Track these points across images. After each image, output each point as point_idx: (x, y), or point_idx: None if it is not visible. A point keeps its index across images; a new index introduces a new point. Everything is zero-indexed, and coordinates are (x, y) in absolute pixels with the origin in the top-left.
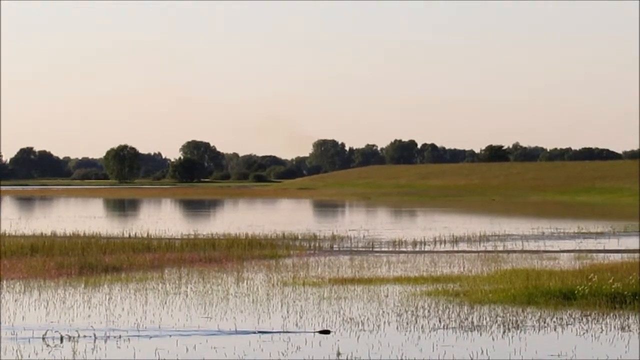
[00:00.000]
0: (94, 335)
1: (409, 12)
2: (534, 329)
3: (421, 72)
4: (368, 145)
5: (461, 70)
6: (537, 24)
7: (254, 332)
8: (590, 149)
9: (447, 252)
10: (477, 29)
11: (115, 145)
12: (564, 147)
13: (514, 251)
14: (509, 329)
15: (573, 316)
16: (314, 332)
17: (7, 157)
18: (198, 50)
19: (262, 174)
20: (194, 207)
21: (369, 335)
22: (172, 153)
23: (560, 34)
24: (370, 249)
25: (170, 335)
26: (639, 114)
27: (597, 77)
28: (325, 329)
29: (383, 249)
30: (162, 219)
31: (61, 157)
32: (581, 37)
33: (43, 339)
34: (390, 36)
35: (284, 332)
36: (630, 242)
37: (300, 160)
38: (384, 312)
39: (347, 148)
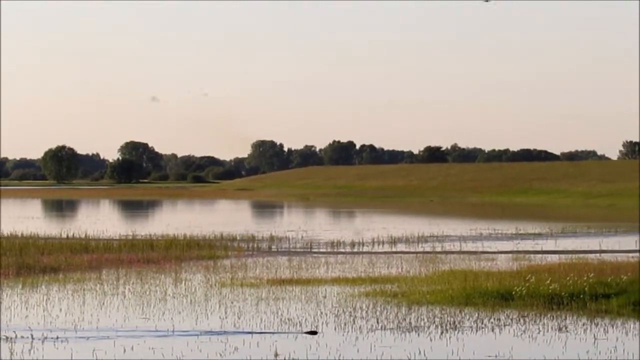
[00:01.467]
0: (32, 335)
1: (348, 16)
2: (472, 330)
3: (360, 73)
4: (307, 146)
5: (399, 72)
6: (475, 25)
7: (241, 332)
8: (528, 150)
9: (385, 253)
10: (415, 31)
11: (53, 146)
12: (502, 148)
13: (452, 252)
14: (446, 330)
15: (510, 317)
16: (302, 332)
17: None
18: (137, 50)
19: (200, 175)
20: (132, 208)
21: (307, 335)
22: (111, 154)
23: (498, 35)
24: (309, 250)
25: (108, 336)
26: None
27: (534, 78)
28: (312, 329)
29: (321, 250)
30: (100, 219)
31: None
32: (519, 38)
33: None
34: (329, 38)
35: (267, 332)
36: (568, 243)
37: (238, 161)
38: (322, 312)
39: (285, 149)
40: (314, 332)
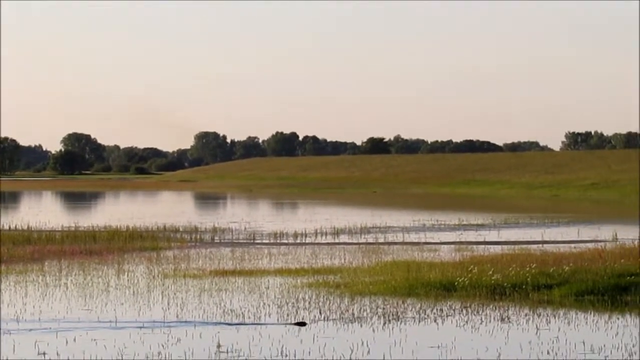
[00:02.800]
0: None
1: (291, 8)
2: (414, 321)
3: (303, 65)
4: (250, 137)
5: (342, 64)
6: (416, 16)
7: (225, 323)
8: (471, 141)
9: (328, 244)
10: (355, 23)
11: None
12: (445, 139)
13: (395, 243)
14: (389, 321)
15: (453, 307)
16: (290, 324)
17: None
18: (80, 42)
19: (143, 166)
20: (75, 199)
21: (250, 327)
22: (53, 145)
23: (439, 26)
24: (252, 241)
25: (51, 328)
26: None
27: (476, 70)
28: (301, 321)
29: (264, 241)
30: (42, 211)
31: None
32: (460, 29)
33: None
34: (271, 31)
35: (253, 324)
36: (511, 234)
37: (181, 153)
38: (264, 303)
39: (228, 140)
40: (302, 324)
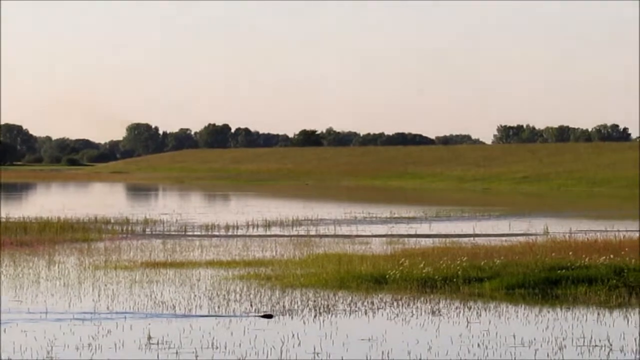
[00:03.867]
0: None
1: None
2: (345, 313)
3: (233, 56)
4: (182, 129)
5: (274, 54)
6: (349, 2)
7: (191, 316)
8: (403, 134)
9: (259, 236)
10: (286, 11)
11: None
12: (377, 132)
13: (327, 235)
14: (320, 313)
15: (384, 300)
16: (256, 316)
17: None
18: (10, 32)
19: (75, 158)
20: (6, 190)
21: (181, 318)
22: None
23: (372, 12)
24: (183, 233)
25: None
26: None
27: (407, 61)
28: (268, 313)
29: (196, 233)
30: None
31: None
32: (394, 19)
33: None
34: (204, 22)
35: (220, 315)
36: (442, 227)
37: (113, 144)
38: (195, 295)
39: (160, 132)
40: (269, 316)
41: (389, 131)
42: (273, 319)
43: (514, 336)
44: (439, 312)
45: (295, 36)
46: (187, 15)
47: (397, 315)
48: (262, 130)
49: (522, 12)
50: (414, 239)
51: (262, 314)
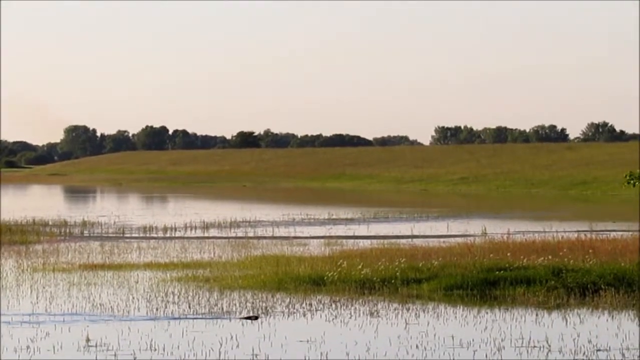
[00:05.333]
0: None
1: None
2: (284, 315)
3: (170, 57)
4: (119, 131)
5: (209, 56)
6: (287, 4)
7: (181, 318)
8: (341, 135)
9: (197, 238)
10: (226, 11)
11: None
12: (314, 133)
13: (265, 237)
14: (258, 315)
15: (322, 302)
16: (240, 318)
17: None
18: None
19: (12, 160)
20: None
21: (119, 321)
22: None
23: (307, 15)
24: (121, 235)
25: None
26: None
27: (343, 63)
28: (254, 314)
29: (134, 235)
30: None
31: None
32: (330, 23)
33: None
34: (138, 18)
35: (206, 318)
36: (380, 228)
37: (51, 146)
38: (134, 297)
39: (98, 134)
40: (255, 317)
41: (327, 132)
42: (215, 321)
43: (453, 337)
44: (378, 313)
45: (232, 37)
46: (124, 16)
47: (336, 316)
48: (200, 132)
49: (457, 12)
50: (352, 240)
51: (246, 315)
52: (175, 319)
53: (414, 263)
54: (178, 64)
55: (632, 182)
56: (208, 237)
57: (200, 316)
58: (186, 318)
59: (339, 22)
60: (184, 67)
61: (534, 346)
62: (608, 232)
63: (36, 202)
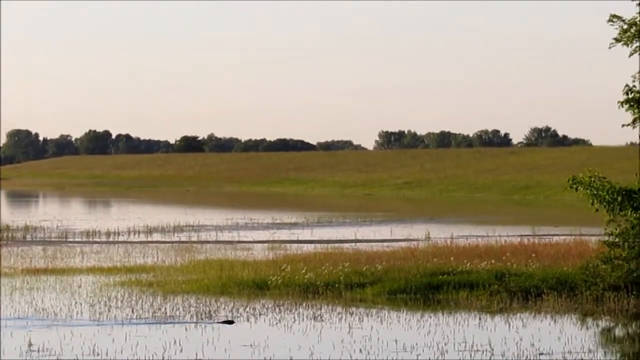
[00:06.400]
0: None
1: (112, 5)
2: (227, 319)
3: (113, 61)
4: (62, 135)
5: (152, 60)
6: (230, 5)
7: (162, 323)
8: (284, 140)
9: (141, 242)
10: (170, 12)
11: None
12: (258, 138)
13: (208, 242)
14: (202, 319)
15: (266, 306)
16: (217, 322)
17: None
18: None
19: None
20: None
21: (62, 325)
22: None
23: (255, 21)
24: (64, 240)
25: None
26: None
27: (288, 68)
28: (229, 319)
29: (77, 240)
30: None
31: None
32: (273, 30)
33: None
34: (82, 20)
35: (188, 322)
36: (324, 233)
37: None
38: (76, 302)
39: (41, 138)
40: (230, 322)
41: (271, 137)
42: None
43: (396, 341)
44: (321, 317)
45: (175, 40)
46: (65, 17)
47: (279, 320)
48: (143, 136)
49: (400, 16)
50: (296, 244)
51: (222, 320)
52: (118, 323)
53: (357, 267)
54: (121, 67)
55: (574, 186)
56: (151, 242)
57: (144, 321)
58: (130, 323)
59: (283, 26)
60: (127, 71)
61: (477, 350)
62: (551, 237)
63: None
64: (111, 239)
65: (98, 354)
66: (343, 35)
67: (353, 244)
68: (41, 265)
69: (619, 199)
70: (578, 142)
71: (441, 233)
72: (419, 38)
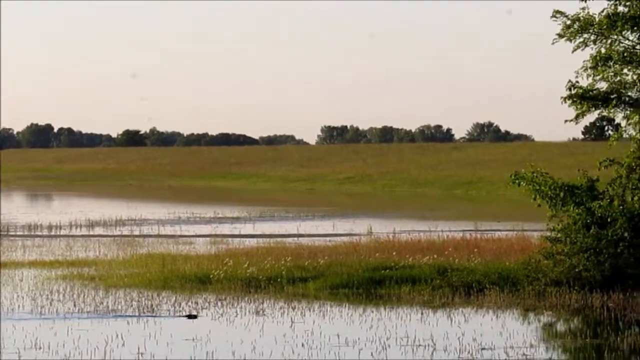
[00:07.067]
0: None
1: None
2: (169, 313)
3: (56, 54)
4: (4, 128)
5: (97, 52)
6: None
7: (126, 316)
8: (227, 134)
9: (82, 236)
10: (109, 6)
11: None
12: (200, 132)
13: (150, 236)
14: (144, 313)
15: (208, 300)
16: (180, 316)
17: None
18: None
19: None
20: None
21: (4, 319)
22: None
23: (191, 16)
24: (5, 233)
25: None
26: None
27: (230, 62)
28: (192, 313)
29: (18, 233)
30: None
31: None
32: (214, 24)
33: None
34: (25, 13)
35: (151, 316)
36: (266, 227)
37: None
38: (18, 295)
39: None
40: (193, 316)
41: (213, 131)
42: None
43: (338, 336)
44: (263, 312)
45: (116, 34)
46: (7, 12)
47: (222, 315)
48: (86, 130)
49: (343, 10)
50: (238, 239)
51: (186, 314)
52: (60, 317)
53: (300, 262)
54: (63, 60)
55: (517, 182)
56: (93, 235)
57: (86, 315)
58: (72, 317)
59: (223, 20)
60: (68, 63)
61: (420, 345)
62: (493, 232)
63: None
64: (53, 233)
65: (40, 347)
66: (284, 30)
67: (295, 238)
68: None
69: (561, 194)
70: (520, 137)
71: (383, 228)
72: (358, 31)
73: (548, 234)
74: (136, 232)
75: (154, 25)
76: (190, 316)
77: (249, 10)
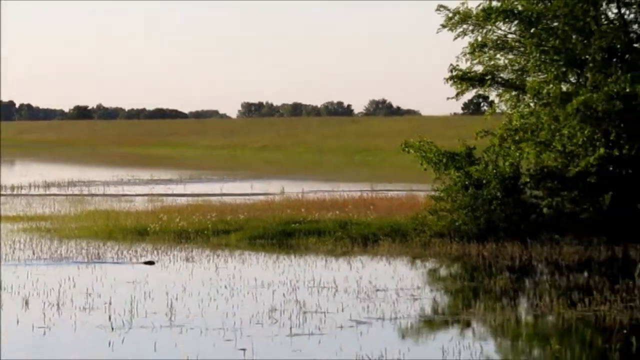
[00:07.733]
0: None
1: None
2: (113, 259)
3: (18, 35)
4: None
5: (50, 33)
6: None
7: (92, 262)
8: (162, 109)
9: (40, 195)
10: None
11: None
12: (140, 107)
13: (97, 195)
14: (91, 260)
15: (146, 249)
16: (140, 263)
17: None
18: None
19: None
20: None
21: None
22: None
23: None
24: None
25: None
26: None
27: (162, 43)
28: (149, 260)
29: None
30: None
31: None
32: (152, 4)
33: None
34: None
35: (112, 262)
36: (195, 188)
37: None
38: None
39: None
40: (151, 263)
41: (150, 107)
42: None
43: (255, 279)
44: (192, 259)
45: (74, 18)
46: None
47: (157, 261)
48: (43, 105)
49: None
50: (171, 197)
51: (144, 261)
52: (21, 263)
53: (223, 217)
54: (23, 41)
55: (407, 149)
56: (49, 195)
57: (43, 261)
58: (31, 263)
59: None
60: (30, 44)
61: (324, 287)
62: (386, 192)
63: None
64: (15, 192)
65: (4, 288)
66: (212, 12)
67: (219, 197)
68: None
69: (444, 160)
70: (410, 112)
71: (294, 188)
72: (269, 17)
73: (433, 193)
74: (85, 192)
75: (98, 7)
76: (148, 262)
77: None
